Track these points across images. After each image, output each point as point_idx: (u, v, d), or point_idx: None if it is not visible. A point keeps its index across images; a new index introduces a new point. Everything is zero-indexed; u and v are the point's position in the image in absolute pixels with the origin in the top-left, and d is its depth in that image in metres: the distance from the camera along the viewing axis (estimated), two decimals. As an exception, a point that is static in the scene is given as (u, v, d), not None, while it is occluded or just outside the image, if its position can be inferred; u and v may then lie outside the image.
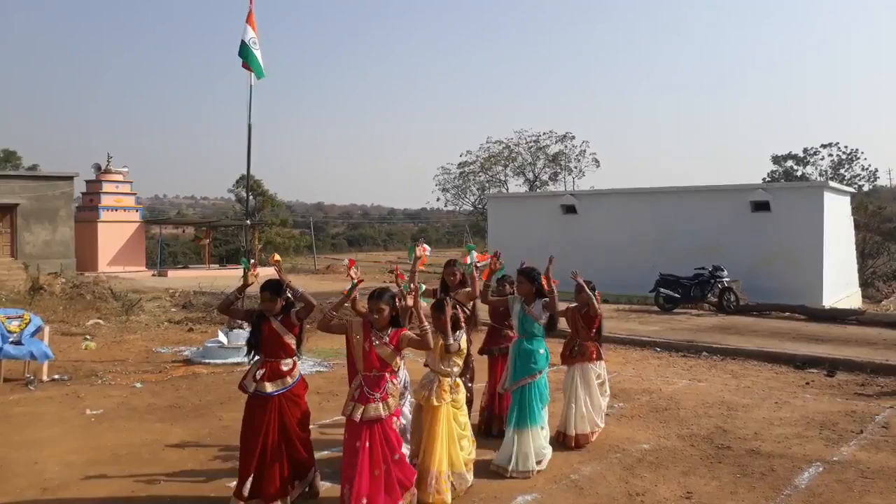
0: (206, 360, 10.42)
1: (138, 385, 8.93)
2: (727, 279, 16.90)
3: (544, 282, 5.88)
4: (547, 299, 5.83)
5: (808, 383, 9.38)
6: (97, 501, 5.14)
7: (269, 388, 4.80)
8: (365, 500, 4.39)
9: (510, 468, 5.62)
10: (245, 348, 5.08)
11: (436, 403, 5.06)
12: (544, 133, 38.11)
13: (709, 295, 17.09)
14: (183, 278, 26.75)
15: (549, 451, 5.92)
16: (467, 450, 5.29)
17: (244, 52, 10.95)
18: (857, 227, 24.70)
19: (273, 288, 4.86)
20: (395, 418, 4.72)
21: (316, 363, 10.52)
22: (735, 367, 10.52)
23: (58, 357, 9.91)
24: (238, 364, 10.22)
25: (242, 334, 10.73)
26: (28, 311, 9.71)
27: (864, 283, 25.25)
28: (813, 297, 17.03)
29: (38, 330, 9.27)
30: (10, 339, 8.82)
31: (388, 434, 4.57)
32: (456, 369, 5.19)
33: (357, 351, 4.66)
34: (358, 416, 4.52)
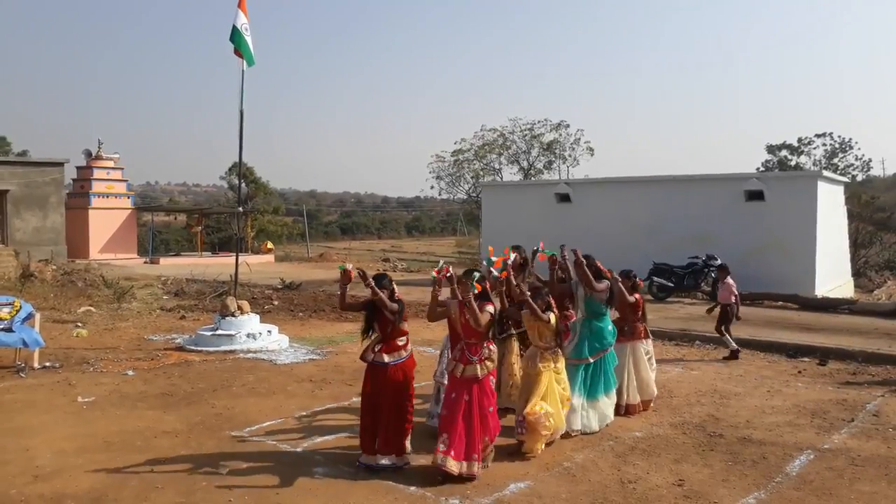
0: (199, 348, 10.38)
1: (130, 372, 8.89)
2: (720, 268, 16.91)
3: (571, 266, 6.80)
4: (607, 281, 6.76)
5: (799, 372, 9.42)
6: (88, 488, 5.12)
7: (386, 358, 5.63)
8: (457, 445, 5.25)
9: (580, 430, 6.47)
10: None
11: (541, 367, 5.97)
12: (539, 121, 37.92)
13: (702, 284, 17.11)
14: (175, 266, 26.61)
15: (611, 417, 6.77)
16: (564, 411, 6.13)
17: (235, 37, 10.81)
18: (850, 216, 24.72)
19: (378, 281, 5.75)
20: (491, 378, 5.56)
21: (309, 351, 10.49)
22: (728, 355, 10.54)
23: (49, 344, 9.85)
24: (230, 351, 10.20)
25: (235, 322, 10.71)
26: (19, 299, 9.64)
27: (857, 273, 25.32)
28: (805, 287, 17.06)
29: (29, 317, 9.21)
30: (1, 327, 8.74)
31: (484, 390, 5.47)
32: (552, 343, 6.06)
33: (457, 325, 5.56)
34: (459, 374, 5.47)
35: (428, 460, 5.51)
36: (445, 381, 6.08)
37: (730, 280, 10.45)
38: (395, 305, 5.58)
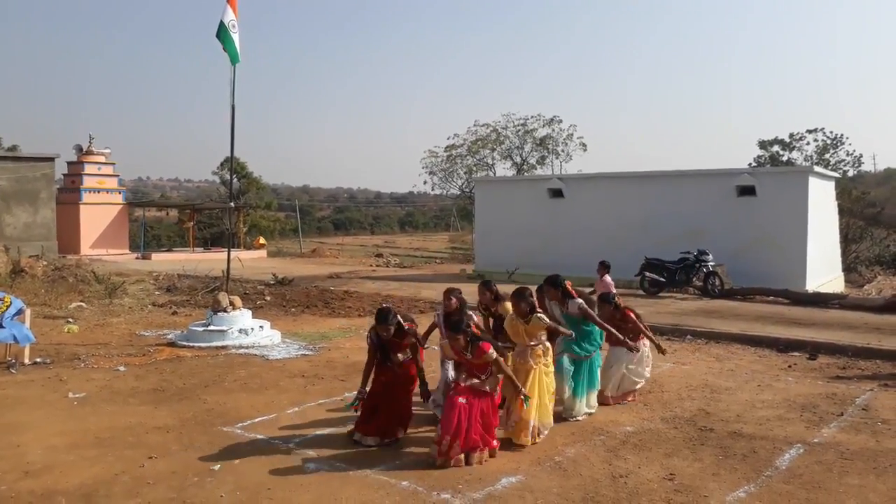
0: (190, 344, 10.35)
1: (121, 368, 8.87)
2: (712, 263, 16.97)
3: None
4: (580, 300, 6.90)
5: (790, 366, 9.48)
6: (79, 484, 5.10)
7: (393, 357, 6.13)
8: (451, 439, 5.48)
9: (576, 416, 6.85)
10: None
11: (533, 365, 6.12)
12: (532, 116, 38.00)
13: (693, 279, 17.16)
14: (167, 261, 26.55)
15: (595, 408, 7.12)
16: (551, 404, 6.31)
17: (222, 34, 10.73)
18: (840, 211, 24.84)
19: (383, 317, 6.04)
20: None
21: (301, 346, 10.48)
22: (719, 350, 10.60)
23: (40, 340, 9.81)
24: (222, 347, 10.17)
25: (226, 318, 10.69)
26: (9, 294, 9.58)
27: (847, 268, 25.45)
28: (796, 282, 17.15)
29: (20, 313, 9.15)
30: (-9, 322, 8.71)
31: (484, 399, 5.68)
32: (541, 341, 6.21)
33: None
34: (464, 382, 5.69)
35: (420, 451, 5.61)
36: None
37: (607, 278, 10.69)
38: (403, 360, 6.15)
